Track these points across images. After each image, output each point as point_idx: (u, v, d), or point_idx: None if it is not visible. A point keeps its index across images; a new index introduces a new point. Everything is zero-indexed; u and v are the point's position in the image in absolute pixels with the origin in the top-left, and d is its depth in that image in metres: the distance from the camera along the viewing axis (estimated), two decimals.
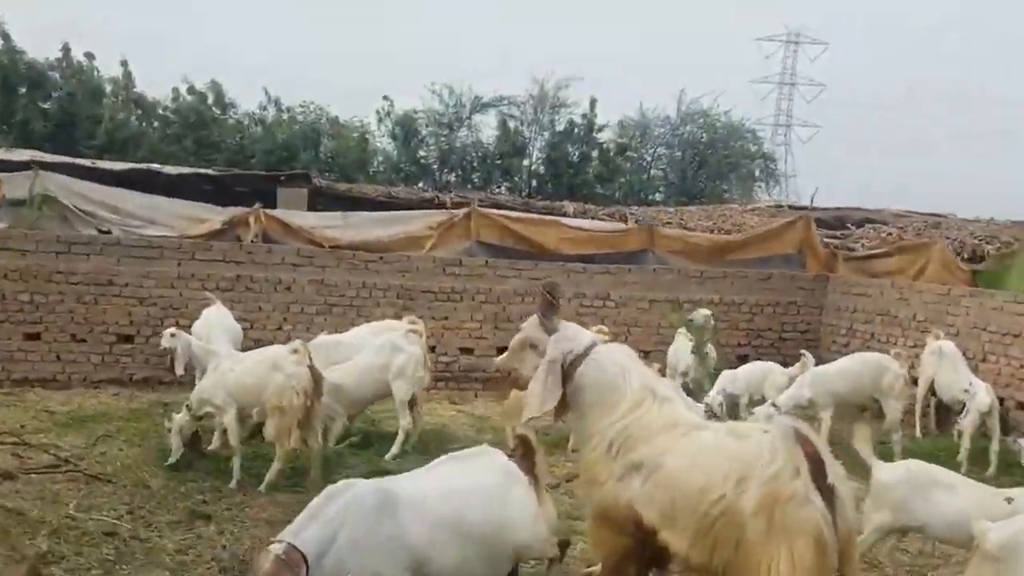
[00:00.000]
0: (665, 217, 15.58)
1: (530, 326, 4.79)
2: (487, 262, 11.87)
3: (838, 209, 17.05)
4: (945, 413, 10.02)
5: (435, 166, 29.53)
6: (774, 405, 8.51)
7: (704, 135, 30.16)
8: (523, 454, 4.54)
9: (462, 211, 12.59)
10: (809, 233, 12.76)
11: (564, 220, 12.90)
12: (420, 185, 26.05)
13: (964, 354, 9.63)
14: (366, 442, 8.51)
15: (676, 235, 12.63)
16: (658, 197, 28.52)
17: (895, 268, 11.94)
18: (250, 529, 6.18)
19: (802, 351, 9.68)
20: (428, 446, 8.43)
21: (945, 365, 9.48)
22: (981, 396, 8.39)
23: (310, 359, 7.50)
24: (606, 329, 9.10)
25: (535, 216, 13.11)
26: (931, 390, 9.80)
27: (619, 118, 30.00)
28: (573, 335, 4.78)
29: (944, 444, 9.13)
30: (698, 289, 11.88)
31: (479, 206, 12.85)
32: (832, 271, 12.68)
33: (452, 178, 28.86)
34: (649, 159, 30.38)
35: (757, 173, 30.01)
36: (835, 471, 3.76)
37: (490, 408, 10.76)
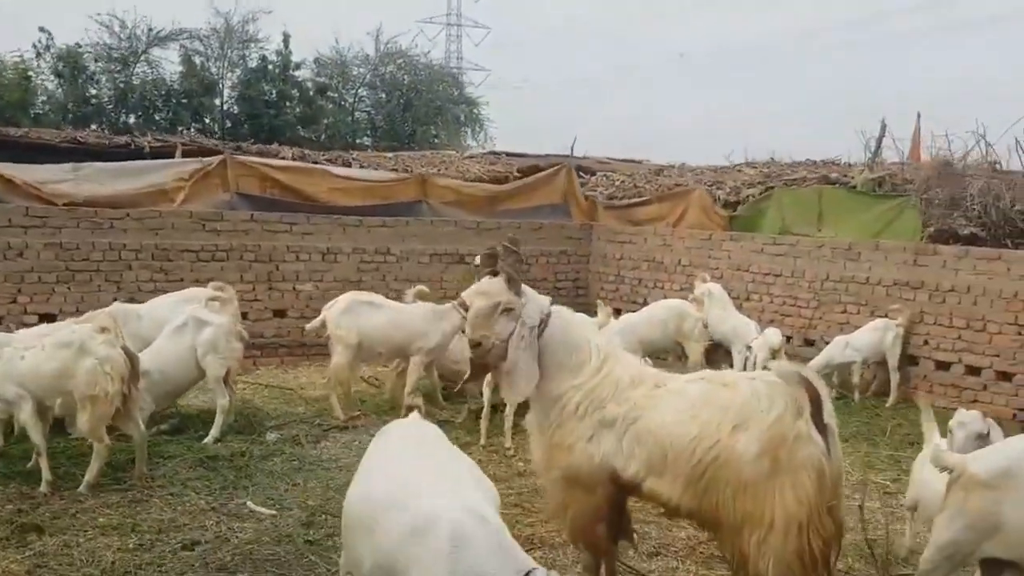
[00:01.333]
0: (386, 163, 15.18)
1: (497, 288, 4.45)
2: (252, 216, 10.98)
3: (547, 156, 17.44)
4: (714, 350, 11.08)
5: (111, 107, 26.53)
6: None
7: (406, 77, 29.97)
8: None
9: (215, 159, 11.47)
10: (572, 183, 13.30)
11: (332, 168, 12.23)
12: (94, 128, 23.22)
13: (730, 294, 10.63)
14: (179, 428, 7.61)
15: (452, 185, 12.51)
16: (366, 141, 28.02)
17: (656, 215, 12.82)
18: (93, 539, 5.32)
19: (598, 300, 10.14)
20: (250, 424, 7.79)
21: (714, 305, 10.41)
22: (772, 335, 9.36)
23: (122, 338, 6.54)
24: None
25: (300, 164, 12.29)
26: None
27: (315, 56, 28.93)
28: (534, 294, 4.59)
29: None
30: (476, 240, 11.90)
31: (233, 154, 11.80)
32: (594, 220, 13.35)
33: (132, 119, 26.11)
34: (352, 100, 29.64)
35: (462, 118, 30.48)
36: (830, 409, 4.02)
37: (278, 377, 10.12)
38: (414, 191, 12.14)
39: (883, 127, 13.01)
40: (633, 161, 17.22)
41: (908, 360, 9.54)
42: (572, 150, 15.66)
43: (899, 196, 10.65)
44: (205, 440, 7.24)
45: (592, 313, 8.81)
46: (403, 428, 3.80)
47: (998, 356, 8.87)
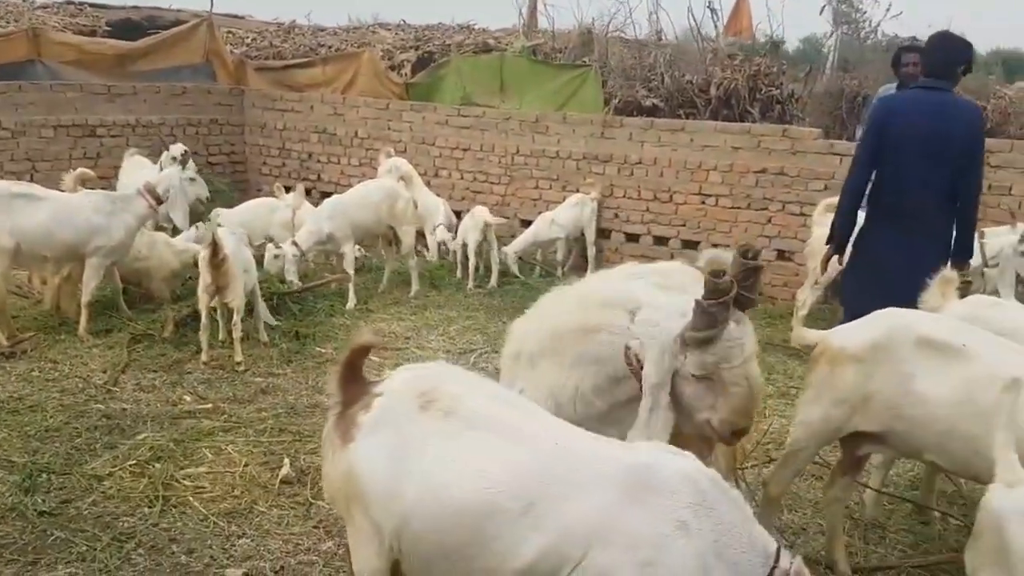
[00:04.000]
0: None
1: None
2: None
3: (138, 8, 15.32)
4: None
5: None
6: (295, 244, 8.07)
7: None
8: None
9: None
10: (215, 40, 11.73)
11: None
12: None
13: (417, 170, 10.26)
14: None
15: (72, 42, 10.35)
16: None
17: (320, 80, 11.81)
18: None
19: (276, 185, 9.20)
20: None
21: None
22: (480, 213, 9.18)
23: None
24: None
25: None
26: None
27: None
28: None
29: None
30: (108, 109, 10.10)
31: None
32: (243, 83, 11.97)
33: None
34: None
35: None
36: None
37: None
38: (24, 49, 9.88)
39: None
40: (234, 16, 15.74)
41: (600, 233, 9.99)
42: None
43: (581, 67, 10.89)
44: None
45: (255, 191, 7.93)
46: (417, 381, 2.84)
47: (684, 225, 9.62)
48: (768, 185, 8.96)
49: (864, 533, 4.51)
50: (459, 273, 9.25)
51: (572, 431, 2.68)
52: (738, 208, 9.25)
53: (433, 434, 2.57)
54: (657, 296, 3.12)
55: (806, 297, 7.42)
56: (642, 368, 2.95)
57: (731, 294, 2.69)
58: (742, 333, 2.85)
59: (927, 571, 4.15)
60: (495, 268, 9.15)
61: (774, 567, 2.36)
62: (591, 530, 2.36)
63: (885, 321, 3.85)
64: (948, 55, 5.26)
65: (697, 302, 2.73)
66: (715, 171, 9.32)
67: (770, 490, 4.06)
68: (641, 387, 2.95)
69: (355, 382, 2.81)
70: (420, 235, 9.40)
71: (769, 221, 9.04)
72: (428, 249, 9.81)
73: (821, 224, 6.79)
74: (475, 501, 2.44)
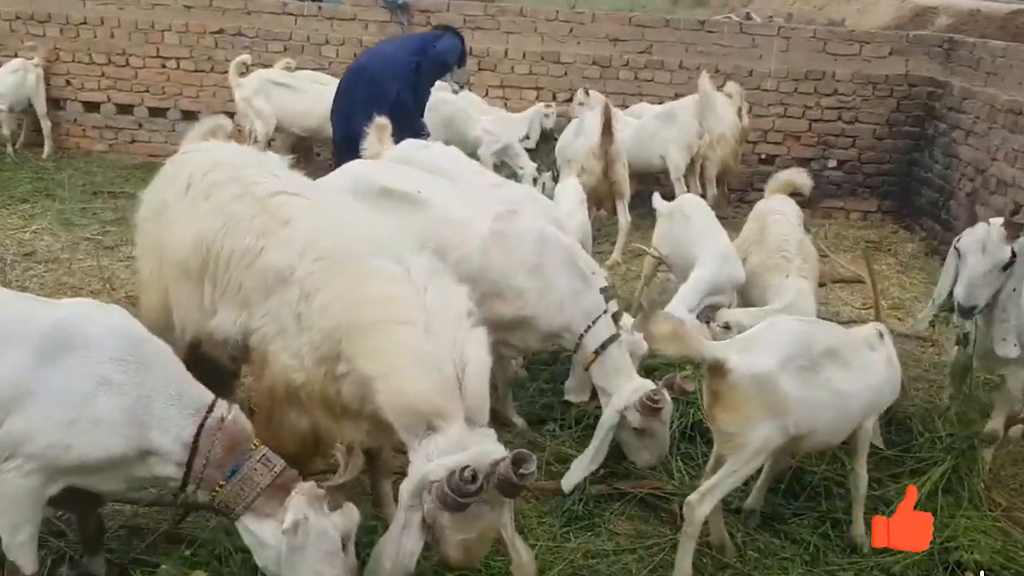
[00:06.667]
0: None
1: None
2: None
3: None
4: None
5: None
6: None
7: None
8: None
9: None
10: None
11: None
12: None
13: None
14: None
15: None
16: None
17: None
18: None
19: None
20: None
21: None
22: None
23: None
24: None
25: None
26: None
27: None
28: None
29: None
30: None
31: None
32: None
33: None
34: None
35: None
36: None
37: None
38: None
39: None
40: None
41: (53, 104, 9.27)
42: None
43: None
44: None
45: None
46: None
47: (147, 91, 9.32)
48: (228, 47, 8.98)
49: None
50: None
51: None
52: (201, 72, 9.19)
53: None
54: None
55: None
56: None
57: (475, 496, 2.51)
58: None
59: None
60: None
61: (207, 416, 2.66)
62: (9, 395, 2.47)
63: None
64: None
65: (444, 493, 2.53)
66: (171, 31, 9.10)
67: None
68: None
69: None
70: None
71: None
72: None
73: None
74: None
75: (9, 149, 8.82)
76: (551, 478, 3.85)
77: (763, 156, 8.98)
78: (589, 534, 3.55)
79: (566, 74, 8.88)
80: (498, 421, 4.30)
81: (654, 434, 3.71)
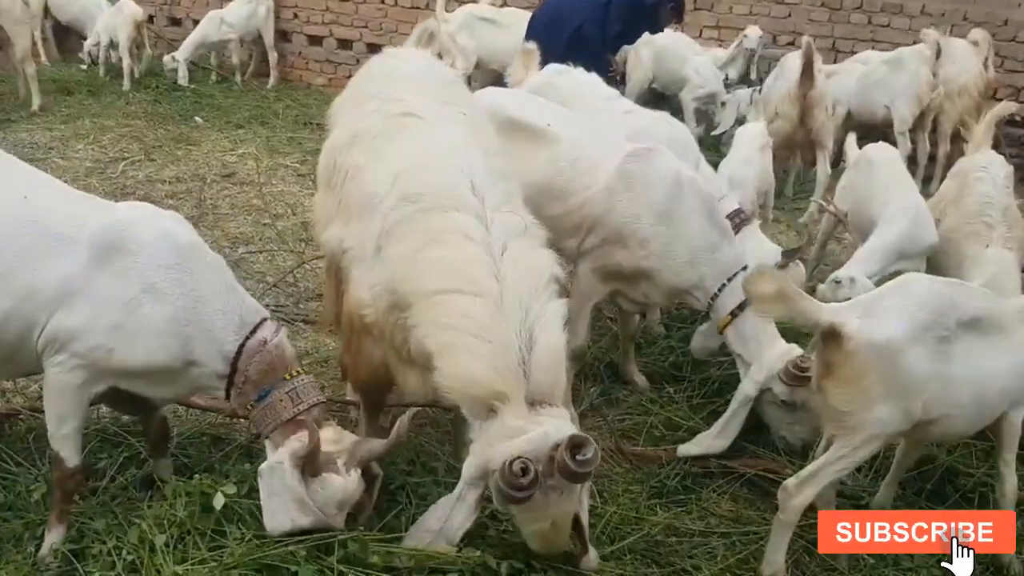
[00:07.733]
0: None
1: None
2: None
3: None
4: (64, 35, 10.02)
5: None
6: None
7: None
8: None
9: None
10: None
11: None
12: None
13: None
14: None
15: None
16: None
17: None
18: None
19: None
20: None
21: None
22: (129, 6, 8.69)
23: None
24: None
25: None
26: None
27: None
28: None
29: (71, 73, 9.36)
30: None
31: None
32: None
33: None
34: None
35: None
36: None
37: None
38: None
39: None
40: None
41: (281, 36, 9.73)
42: None
43: None
44: None
45: None
46: None
47: (366, 27, 9.56)
48: None
49: None
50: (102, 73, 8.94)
51: (52, 187, 2.72)
52: (417, 8, 9.28)
53: None
54: None
55: None
56: None
57: (529, 489, 2.31)
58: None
59: None
60: (127, 68, 8.79)
61: (250, 335, 2.59)
62: (56, 294, 2.46)
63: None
64: None
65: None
66: None
67: None
68: None
69: None
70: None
71: None
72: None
73: None
74: None
75: (237, 78, 9.36)
76: (655, 445, 3.52)
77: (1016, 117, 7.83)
78: (680, 509, 3.19)
79: (790, 15, 8.15)
80: (620, 379, 4.08)
81: (805, 407, 3.25)
